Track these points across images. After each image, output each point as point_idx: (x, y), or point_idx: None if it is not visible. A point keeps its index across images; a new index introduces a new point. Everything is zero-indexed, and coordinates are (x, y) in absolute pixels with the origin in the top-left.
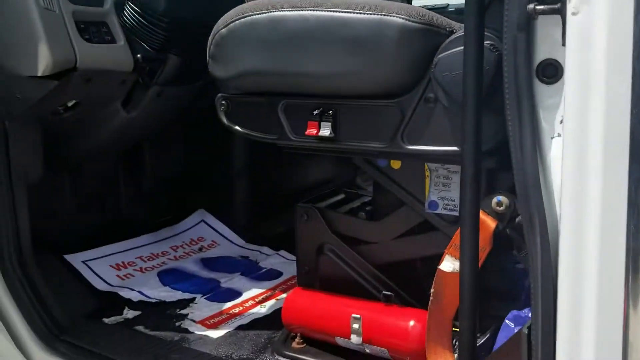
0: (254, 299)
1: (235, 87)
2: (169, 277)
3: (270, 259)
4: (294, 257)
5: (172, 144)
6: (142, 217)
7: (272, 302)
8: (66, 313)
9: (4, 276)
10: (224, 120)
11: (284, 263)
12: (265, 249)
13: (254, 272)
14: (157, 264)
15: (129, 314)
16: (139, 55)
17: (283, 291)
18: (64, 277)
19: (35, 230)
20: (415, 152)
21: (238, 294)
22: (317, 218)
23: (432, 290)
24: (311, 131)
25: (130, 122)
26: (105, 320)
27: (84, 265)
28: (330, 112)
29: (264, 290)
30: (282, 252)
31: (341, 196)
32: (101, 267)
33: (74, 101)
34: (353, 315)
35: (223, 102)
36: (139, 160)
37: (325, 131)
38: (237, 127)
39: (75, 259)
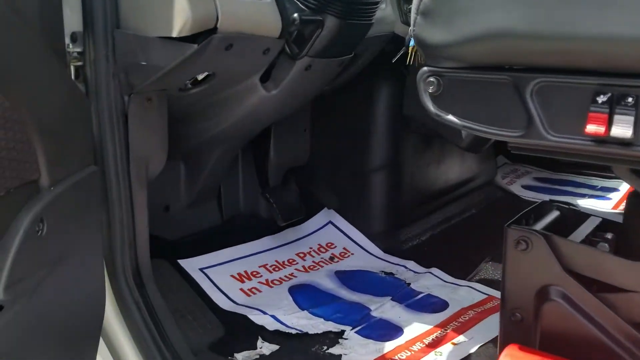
0: (421, 340)
1: (458, 57)
2: (303, 296)
3: (422, 279)
4: (451, 279)
5: (299, 128)
6: (265, 215)
7: (447, 347)
8: (189, 345)
9: (117, 300)
10: (430, 106)
11: (443, 287)
12: (411, 264)
13: (409, 298)
14: (286, 276)
15: (264, 347)
16: (295, 15)
17: (457, 332)
18: (182, 293)
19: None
20: None
21: (397, 329)
22: (542, 248)
23: None
24: (596, 129)
25: (266, 102)
26: (237, 356)
27: (202, 274)
28: (630, 99)
29: (430, 327)
30: (435, 271)
31: (555, 214)
32: (222, 278)
33: (206, 73)
34: None
35: (431, 79)
36: (262, 148)
37: (624, 130)
38: (450, 117)
39: (191, 266)
